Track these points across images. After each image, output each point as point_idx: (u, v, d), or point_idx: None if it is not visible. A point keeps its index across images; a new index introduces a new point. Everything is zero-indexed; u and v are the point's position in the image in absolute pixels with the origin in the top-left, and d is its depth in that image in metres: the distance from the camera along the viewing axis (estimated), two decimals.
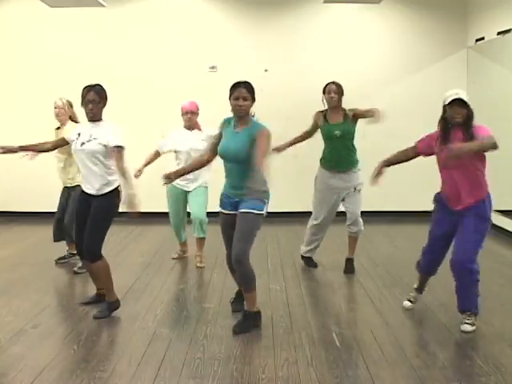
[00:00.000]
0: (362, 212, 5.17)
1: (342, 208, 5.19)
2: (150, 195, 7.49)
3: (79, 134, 4.03)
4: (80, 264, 4.96)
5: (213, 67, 7.52)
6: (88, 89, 3.95)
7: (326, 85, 4.98)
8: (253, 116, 3.77)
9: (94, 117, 3.99)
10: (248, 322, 3.81)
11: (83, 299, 4.34)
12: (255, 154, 3.52)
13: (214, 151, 3.90)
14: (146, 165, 5.49)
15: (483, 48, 7.12)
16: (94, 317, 4.00)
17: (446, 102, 3.72)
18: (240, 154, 3.66)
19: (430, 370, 3.20)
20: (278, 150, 5.02)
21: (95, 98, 3.93)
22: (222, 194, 3.88)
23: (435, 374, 3.16)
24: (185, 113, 5.31)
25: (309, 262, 5.32)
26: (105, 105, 4.03)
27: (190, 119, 5.28)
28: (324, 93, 4.96)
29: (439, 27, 7.57)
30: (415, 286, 4.21)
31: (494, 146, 3.58)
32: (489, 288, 4.63)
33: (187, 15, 7.54)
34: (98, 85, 4.00)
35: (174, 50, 7.50)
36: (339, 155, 4.96)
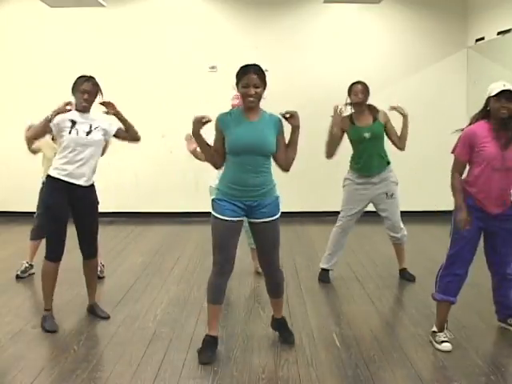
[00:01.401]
0: (364, 212, 5.13)
1: (338, 208, 5.17)
2: (150, 195, 7.55)
3: (73, 122, 3.83)
4: (23, 268, 4.99)
5: (213, 67, 7.52)
6: (85, 79, 3.89)
7: (352, 84, 4.65)
8: (264, 98, 3.35)
9: (87, 107, 3.90)
10: (287, 328, 3.66)
11: (52, 328, 3.85)
12: (292, 149, 3.39)
13: (222, 155, 3.37)
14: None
15: (483, 48, 7.12)
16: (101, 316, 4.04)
17: (493, 93, 3.29)
18: (269, 146, 3.28)
19: (429, 369, 3.21)
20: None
21: (92, 90, 3.88)
22: (220, 199, 3.31)
23: (435, 374, 3.17)
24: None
25: (326, 276, 4.91)
26: (97, 96, 3.95)
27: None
28: (349, 93, 4.64)
29: (439, 27, 7.57)
30: (443, 327, 3.58)
31: None
32: (489, 288, 4.62)
33: (187, 15, 7.54)
34: (92, 77, 3.95)
35: (174, 50, 7.51)
36: (370, 158, 4.65)
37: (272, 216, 3.34)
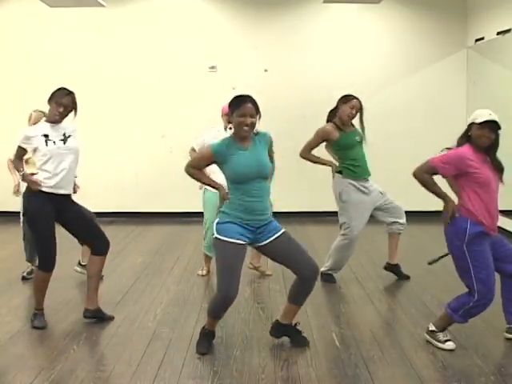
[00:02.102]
0: None
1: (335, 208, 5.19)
2: (150, 195, 7.55)
3: (46, 136, 3.79)
4: (29, 269, 4.97)
5: (213, 67, 7.53)
6: (66, 93, 3.84)
7: (350, 97, 4.68)
8: (256, 134, 3.40)
9: (59, 120, 3.85)
10: (300, 334, 3.62)
11: (41, 324, 3.88)
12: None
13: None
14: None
15: (483, 48, 7.12)
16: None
17: (478, 121, 3.36)
18: (268, 169, 3.38)
19: (429, 369, 3.20)
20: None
21: (70, 104, 3.84)
22: (229, 222, 3.30)
23: (435, 374, 3.17)
24: (225, 114, 4.83)
25: (330, 278, 4.90)
26: (68, 114, 3.89)
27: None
28: (344, 103, 4.66)
29: (439, 27, 7.57)
30: (439, 329, 3.57)
31: None
32: None
33: (187, 15, 7.55)
34: (71, 91, 3.89)
35: (174, 50, 7.51)
36: (364, 160, 4.74)
37: (279, 230, 3.41)
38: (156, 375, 3.13)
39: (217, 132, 4.76)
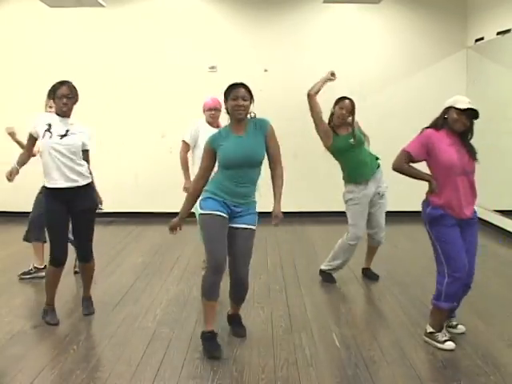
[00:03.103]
0: None
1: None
2: (150, 195, 7.55)
3: (50, 125, 3.84)
4: (27, 270, 5.01)
5: (213, 67, 7.52)
6: (60, 83, 3.89)
7: (340, 99, 4.72)
8: (253, 117, 3.52)
9: (67, 112, 3.89)
10: (241, 325, 3.80)
11: (52, 321, 3.95)
12: (275, 156, 3.53)
13: (210, 171, 3.54)
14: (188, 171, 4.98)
15: (483, 48, 7.12)
16: (86, 314, 4.09)
17: (458, 106, 3.48)
18: (260, 158, 3.46)
19: (429, 370, 3.21)
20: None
21: (69, 93, 3.86)
22: (208, 198, 3.45)
23: (435, 374, 3.17)
24: (208, 109, 4.99)
25: (329, 277, 4.90)
26: (76, 101, 3.94)
27: (215, 116, 4.95)
28: (336, 104, 4.70)
29: (439, 27, 7.57)
30: (444, 328, 3.60)
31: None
32: (489, 288, 4.63)
33: (187, 15, 7.54)
34: (68, 81, 3.94)
35: (174, 50, 7.51)
36: (364, 161, 4.66)
37: (251, 224, 3.51)
38: (156, 375, 3.13)
39: (202, 123, 4.98)
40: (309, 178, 7.24)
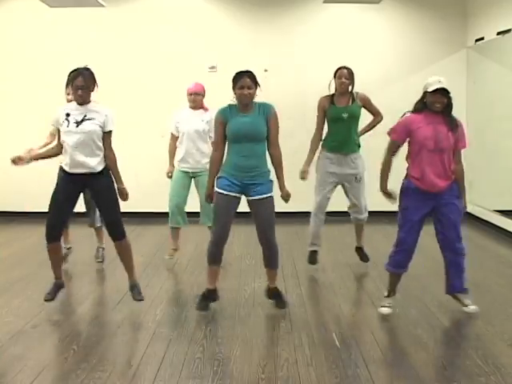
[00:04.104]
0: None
1: (338, 208, 5.20)
2: (150, 195, 7.54)
3: (68, 115, 3.99)
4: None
5: (213, 67, 7.52)
6: (76, 73, 4.00)
7: (338, 69, 4.97)
8: (259, 104, 3.98)
9: (84, 102, 4.02)
10: (280, 297, 4.17)
11: (46, 296, 4.21)
12: (273, 137, 3.95)
13: (223, 142, 4.02)
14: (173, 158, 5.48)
15: (483, 48, 7.12)
16: (137, 299, 4.19)
17: (429, 90, 3.78)
18: (261, 134, 3.91)
19: (430, 370, 3.21)
20: (304, 174, 5.09)
21: (84, 84, 3.97)
22: (221, 177, 3.97)
23: (435, 374, 3.17)
24: (189, 94, 5.40)
25: (313, 257, 5.17)
26: (93, 89, 4.07)
27: (194, 100, 5.35)
28: (334, 77, 4.95)
29: (439, 27, 7.56)
30: (386, 293, 4.14)
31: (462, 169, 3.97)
32: (489, 288, 4.64)
33: (187, 15, 7.54)
34: (87, 69, 4.06)
35: (174, 49, 7.50)
36: (344, 138, 4.92)
37: (265, 194, 3.93)
38: (156, 375, 3.13)
39: (184, 112, 5.38)
40: (309, 178, 7.23)
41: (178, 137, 5.37)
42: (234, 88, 3.92)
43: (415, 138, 3.81)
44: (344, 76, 4.88)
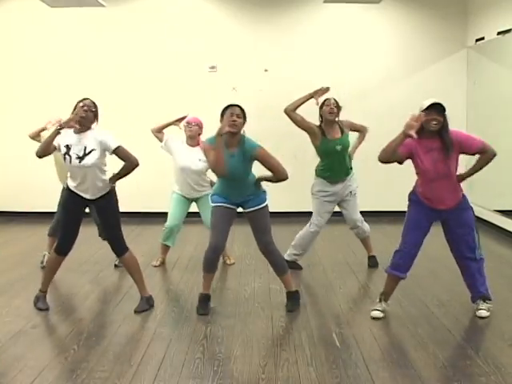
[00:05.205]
0: (362, 212, 5.19)
1: (338, 208, 5.21)
2: (150, 195, 7.55)
3: (68, 147, 3.98)
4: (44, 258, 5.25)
5: (213, 67, 7.52)
6: (83, 98, 4.05)
7: (325, 100, 4.96)
8: (246, 137, 3.99)
9: (86, 123, 3.98)
10: (293, 300, 4.22)
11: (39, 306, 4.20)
12: (273, 169, 3.97)
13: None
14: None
15: (483, 48, 7.12)
16: (135, 310, 4.13)
17: (424, 107, 3.67)
18: (239, 175, 3.99)
19: (430, 369, 3.20)
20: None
21: (91, 105, 4.01)
22: (215, 194, 4.13)
23: (435, 373, 3.16)
24: (186, 123, 5.25)
25: (295, 265, 5.19)
26: (96, 118, 4.06)
27: (191, 130, 5.20)
28: (321, 107, 4.95)
29: (439, 27, 7.57)
30: (378, 298, 4.08)
31: (494, 154, 3.78)
32: (490, 289, 4.63)
33: (187, 15, 7.54)
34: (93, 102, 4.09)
35: (174, 49, 7.50)
36: (339, 168, 5.02)
37: (258, 205, 4.06)
38: (156, 375, 3.13)
39: (180, 142, 5.28)
40: (308, 179, 7.19)
41: (162, 135, 5.42)
42: (221, 118, 3.96)
43: (415, 164, 3.82)
44: (332, 104, 4.90)
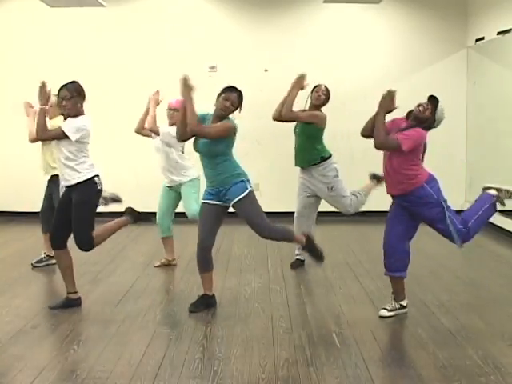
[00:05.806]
0: (361, 212, 5.20)
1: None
2: (150, 195, 7.53)
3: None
4: (38, 258, 5.26)
5: (213, 67, 7.52)
6: (61, 87, 4.06)
7: (316, 86, 5.12)
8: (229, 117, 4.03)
9: (69, 112, 4.05)
10: (314, 252, 4.36)
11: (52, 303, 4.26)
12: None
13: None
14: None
15: (483, 48, 7.12)
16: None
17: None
18: (210, 149, 3.97)
19: (429, 369, 3.20)
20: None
21: (66, 94, 4.02)
22: (205, 190, 4.15)
23: (435, 374, 3.16)
24: (168, 108, 5.31)
25: (301, 264, 5.25)
26: (79, 100, 4.08)
27: (172, 116, 5.23)
28: (312, 91, 5.07)
29: (439, 27, 7.57)
30: (392, 296, 4.12)
31: (375, 145, 3.81)
32: (489, 288, 4.64)
33: (187, 15, 7.55)
34: (72, 82, 4.10)
35: (174, 49, 7.50)
36: (297, 151, 5.11)
37: (237, 196, 3.99)
38: (156, 375, 3.13)
39: (170, 128, 5.15)
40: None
41: (157, 128, 5.35)
42: (219, 96, 4.02)
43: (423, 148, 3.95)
44: (321, 91, 5.02)
